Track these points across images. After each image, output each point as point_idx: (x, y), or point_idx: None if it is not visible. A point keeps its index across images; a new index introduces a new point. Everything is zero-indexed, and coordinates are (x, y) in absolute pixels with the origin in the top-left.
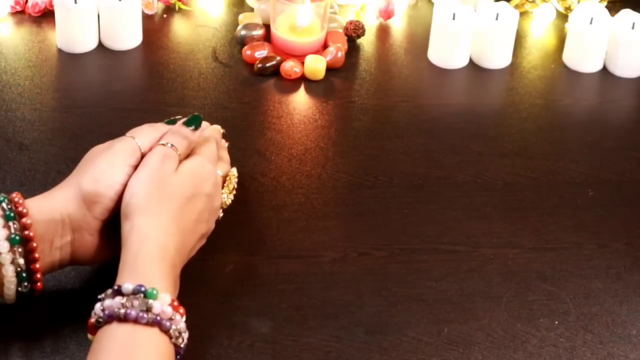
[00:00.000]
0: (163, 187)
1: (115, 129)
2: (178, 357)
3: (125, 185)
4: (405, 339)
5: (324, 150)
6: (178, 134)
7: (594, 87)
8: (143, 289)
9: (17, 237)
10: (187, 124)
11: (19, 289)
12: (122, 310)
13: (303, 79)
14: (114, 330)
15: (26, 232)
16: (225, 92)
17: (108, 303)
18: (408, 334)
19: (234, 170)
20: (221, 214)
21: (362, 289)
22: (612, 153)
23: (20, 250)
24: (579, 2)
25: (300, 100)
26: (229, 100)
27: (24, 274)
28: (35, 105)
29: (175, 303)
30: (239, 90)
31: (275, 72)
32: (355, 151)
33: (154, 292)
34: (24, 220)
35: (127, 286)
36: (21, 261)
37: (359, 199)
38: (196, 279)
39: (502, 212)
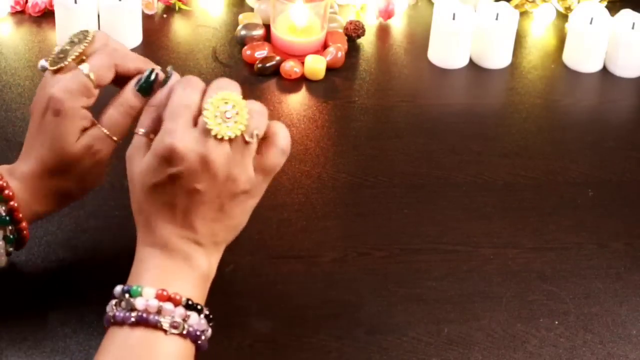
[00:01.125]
0: (130, 183)
1: None
2: (199, 342)
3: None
4: (405, 339)
5: (324, 150)
6: (122, 107)
7: (594, 87)
8: (127, 288)
9: (7, 218)
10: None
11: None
12: (111, 314)
13: (303, 79)
14: (111, 334)
15: (15, 214)
16: None
17: (107, 308)
18: (408, 334)
19: (222, 95)
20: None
21: (362, 289)
22: (612, 153)
23: (10, 228)
24: (579, 2)
25: (300, 100)
26: None
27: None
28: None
29: (165, 293)
30: None
31: (275, 72)
32: (355, 151)
33: (138, 289)
34: (11, 203)
35: (117, 289)
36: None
37: (359, 199)
38: None
39: (502, 212)
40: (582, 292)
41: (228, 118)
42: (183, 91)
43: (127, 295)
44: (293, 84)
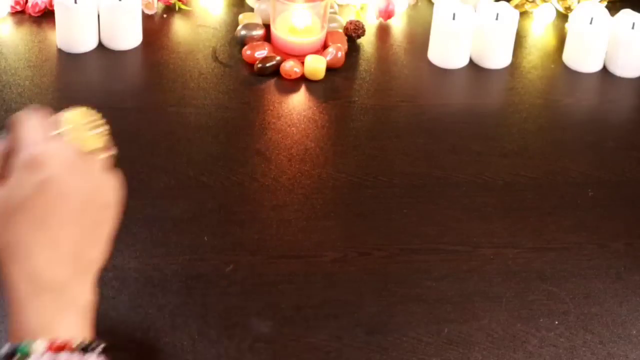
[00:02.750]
0: None
1: (114, 129)
2: None
3: None
4: (405, 339)
5: (324, 150)
6: None
7: (594, 87)
8: (14, 347)
9: None
10: None
11: None
12: None
13: (303, 79)
14: None
15: None
16: (225, 92)
17: None
18: (408, 334)
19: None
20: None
21: (362, 289)
22: (612, 153)
23: None
24: (579, 2)
25: (300, 100)
26: (229, 100)
27: None
28: (35, 105)
29: (56, 343)
30: (239, 90)
31: (275, 72)
32: (355, 151)
33: (26, 348)
34: None
35: (3, 349)
36: None
37: (359, 199)
38: (196, 279)
39: (502, 212)
40: (582, 292)
41: (90, 130)
42: (29, 121)
43: (18, 355)
44: (293, 84)
